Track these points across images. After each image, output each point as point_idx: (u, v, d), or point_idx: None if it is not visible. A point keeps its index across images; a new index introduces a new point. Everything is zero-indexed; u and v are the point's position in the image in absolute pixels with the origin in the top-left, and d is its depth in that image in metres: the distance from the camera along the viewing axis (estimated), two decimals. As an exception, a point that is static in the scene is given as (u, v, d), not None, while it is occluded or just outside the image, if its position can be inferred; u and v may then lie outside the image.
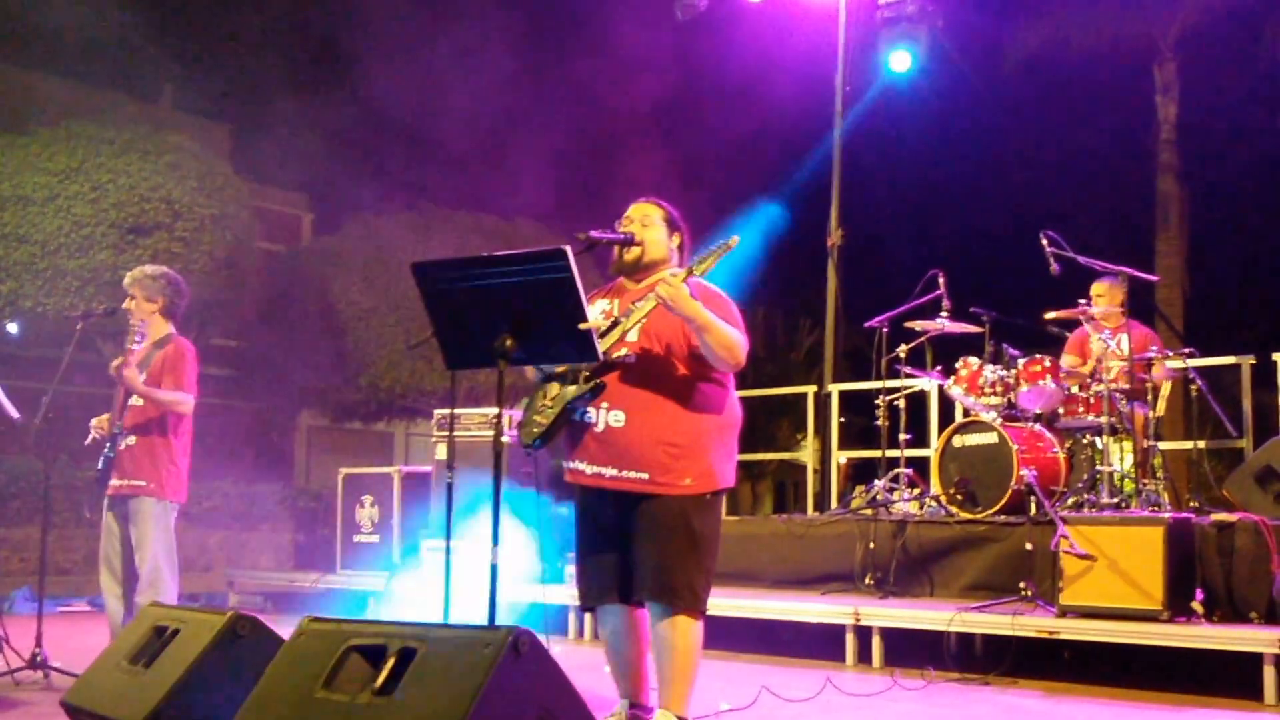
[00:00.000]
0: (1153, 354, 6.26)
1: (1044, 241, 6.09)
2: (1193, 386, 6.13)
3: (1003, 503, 6.03)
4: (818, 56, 10.16)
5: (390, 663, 2.88)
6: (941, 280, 6.82)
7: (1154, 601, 4.81)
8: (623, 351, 3.48)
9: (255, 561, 13.00)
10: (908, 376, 7.04)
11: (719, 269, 3.48)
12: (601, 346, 3.38)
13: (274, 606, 8.75)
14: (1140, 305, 6.64)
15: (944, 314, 6.78)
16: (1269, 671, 4.53)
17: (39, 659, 4.80)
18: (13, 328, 11.03)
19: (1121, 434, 6.15)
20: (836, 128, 9.51)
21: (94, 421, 4.94)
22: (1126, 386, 6.06)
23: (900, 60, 9.57)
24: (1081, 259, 6.14)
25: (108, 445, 4.82)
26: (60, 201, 10.93)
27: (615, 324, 3.50)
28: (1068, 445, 6.35)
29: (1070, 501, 5.95)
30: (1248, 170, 17.62)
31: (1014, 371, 6.37)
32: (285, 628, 3.60)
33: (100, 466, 4.84)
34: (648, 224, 3.63)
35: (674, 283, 3.35)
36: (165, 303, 4.93)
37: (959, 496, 6.28)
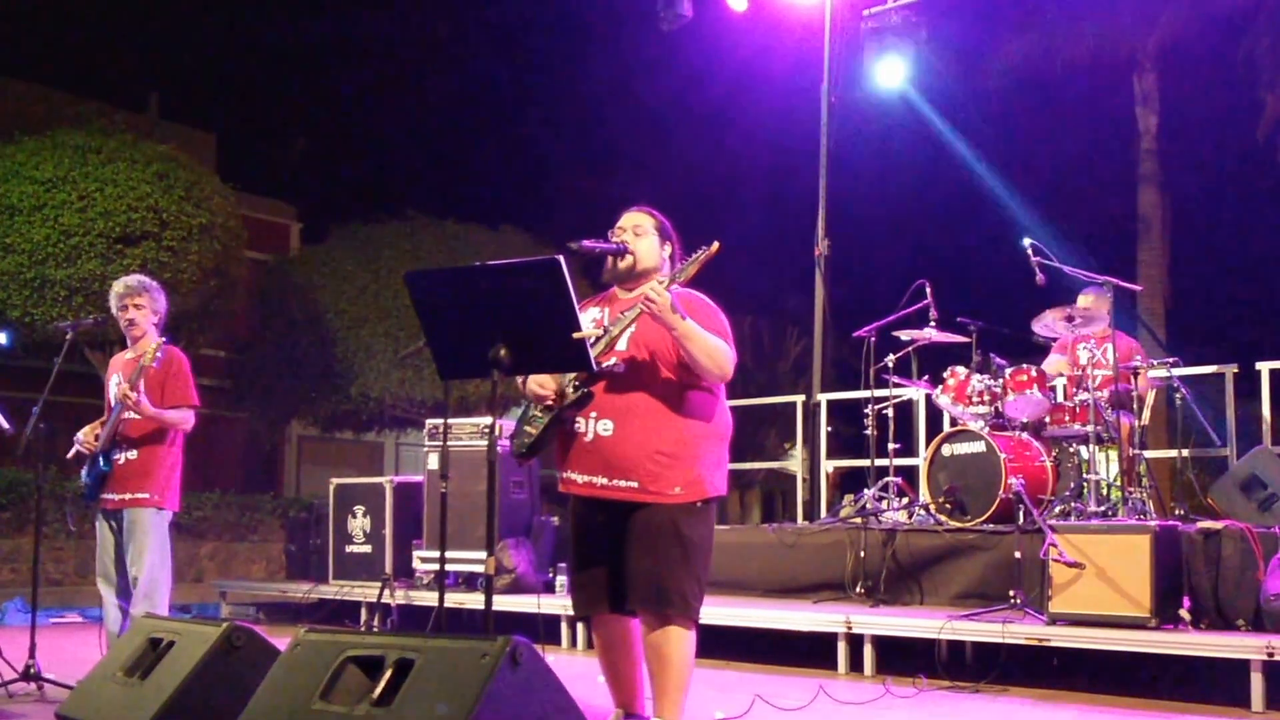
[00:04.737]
0: (1138, 364, 6.33)
1: (1029, 251, 6.15)
2: (1177, 395, 6.19)
3: (991, 511, 6.08)
4: (804, 66, 10.23)
5: (388, 674, 2.90)
6: (928, 290, 6.88)
7: (1142, 609, 4.86)
8: (611, 360, 3.50)
9: (246, 572, 12.97)
10: (896, 386, 7.08)
11: (705, 276, 3.52)
12: (591, 355, 3.41)
13: (266, 617, 8.72)
14: (1123, 315, 6.69)
15: (931, 323, 6.83)
16: (1256, 678, 4.57)
17: (33, 671, 4.79)
18: (2, 338, 10.97)
19: (1107, 443, 6.21)
20: (823, 137, 9.56)
21: (80, 436, 4.91)
22: (1112, 395, 6.13)
23: (885, 70, 9.64)
24: (1066, 269, 6.21)
25: (100, 459, 4.80)
26: (47, 211, 10.88)
27: (606, 333, 3.53)
28: (1054, 454, 6.40)
29: (1058, 510, 6.00)
30: (1228, 179, 17.80)
31: (1001, 381, 6.42)
32: (279, 639, 3.61)
33: (89, 480, 4.83)
34: (640, 233, 3.66)
35: (658, 291, 3.37)
36: (163, 315, 4.97)
37: (948, 505, 6.32)
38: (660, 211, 3.76)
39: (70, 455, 4.92)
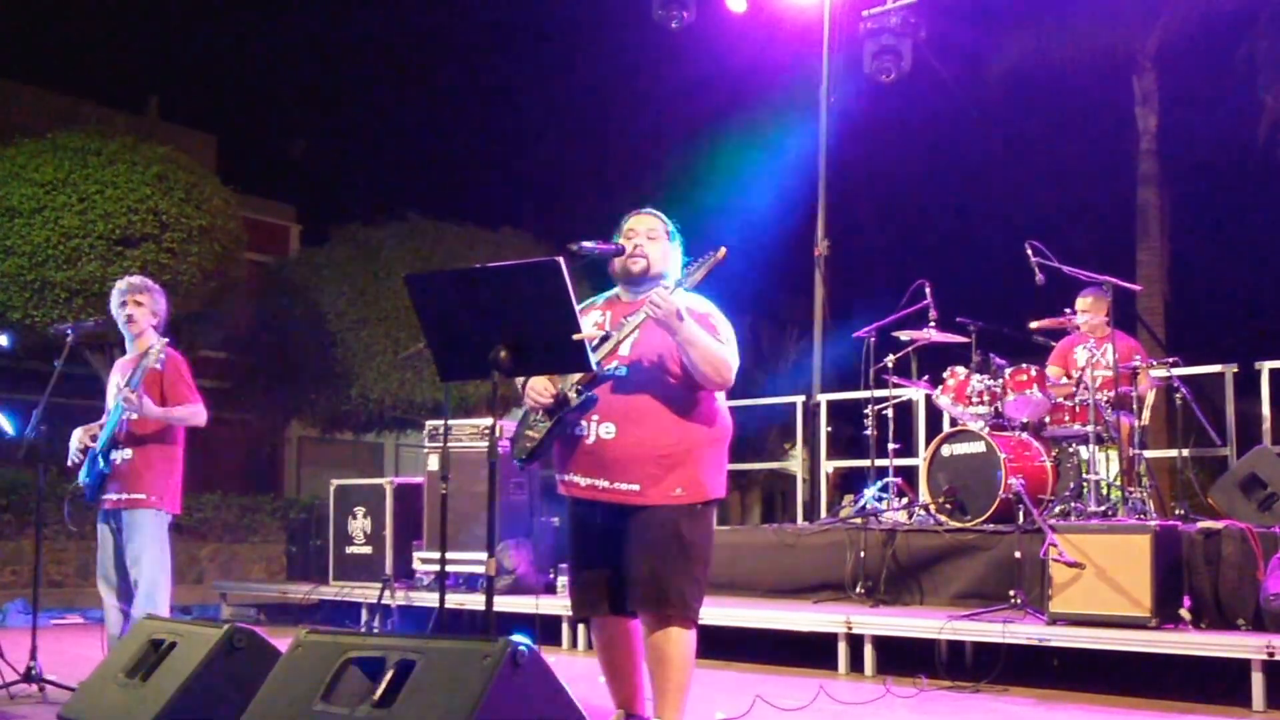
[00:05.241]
0: (1138, 364, 6.33)
1: (1029, 252, 6.16)
2: (1177, 395, 6.19)
3: (991, 511, 6.09)
4: (802, 67, 10.23)
5: (389, 675, 2.91)
6: (928, 290, 6.89)
7: (1142, 609, 4.86)
8: (614, 364, 3.51)
9: (247, 573, 12.98)
10: (895, 386, 7.09)
11: (710, 281, 3.52)
12: (594, 359, 3.41)
13: (267, 618, 8.73)
14: (1122, 315, 6.70)
15: (931, 324, 6.84)
16: (1257, 678, 4.58)
17: (34, 673, 4.79)
18: (3, 340, 10.97)
19: (1107, 443, 6.22)
20: (822, 137, 9.57)
21: (75, 443, 4.89)
22: (1112, 395, 6.13)
23: (884, 71, 9.64)
24: (1066, 269, 6.21)
25: (100, 459, 4.80)
26: (47, 213, 10.89)
27: (608, 336, 3.53)
28: (1054, 454, 6.41)
29: (1058, 510, 6.01)
30: (1227, 179, 17.79)
31: (1001, 381, 6.43)
32: (279, 639, 3.62)
33: (89, 481, 4.83)
34: (654, 237, 3.64)
35: (664, 297, 3.38)
36: (163, 318, 4.97)
37: (948, 505, 6.33)
38: (661, 212, 3.77)
39: (70, 464, 4.91)
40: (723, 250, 3.46)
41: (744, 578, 6.79)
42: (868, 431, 7.13)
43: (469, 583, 7.40)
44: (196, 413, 4.87)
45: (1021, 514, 6.02)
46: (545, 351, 3.34)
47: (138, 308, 4.90)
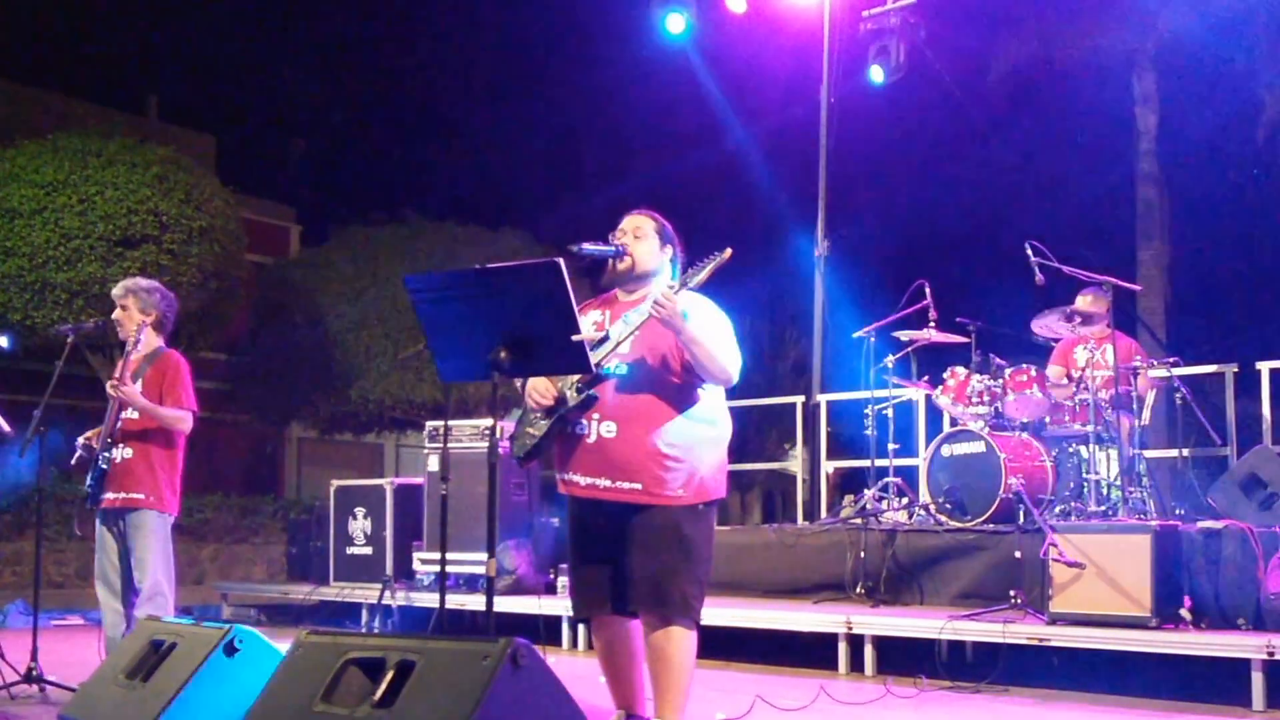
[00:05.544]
0: (1138, 364, 6.33)
1: (1029, 252, 6.16)
2: (1177, 395, 6.20)
3: (991, 511, 6.09)
4: (803, 67, 10.25)
5: (389, 675, 2.91)
6: (928, 290, 6.89)
7: (1143, 609, 4.87)
8: (615, 363, 3.51)
9: (247, 574, 13.01)
10: (896, 386, 7.09)
11: (711, 280, 3.53)
12: (594, 358, 3.41)
13: (268, 619, 8.72)
14: (1122, 315, 6.70)
15: (931, 324, 6.84)
16: (1257, 678, 4.58)
17: (35, 673, 4.79)
18: (4, 341, 10.99)
19: (1107, 443, 6.22)
20: (822, 137, 9.58)
21: (80, 441, 4.90)
22: (1112, 395, 6.14)
23: (883, 71, 9.65)
24: (1066, 269, 6.21)
25: (100, 459, 4.80)
26: (48, 214, 10.91)
27: (608, 336, 3.54)
28: (1054, 454, 6.41)
29: (1058, 510, 6.01)
30: (1228, 179, 17.79)
31: (1001, 381, 6.43)
32: (280, 640, 3.62)
33: (91, 481, 4.83)
34: (640, 236, 3.67)
35: (669, 296, 3.39)
36: (159, 316, 4.94)
37: (948, 505, 6.33)
38: (660, 213, 3.77)
39: (74, 461, 4.92)
40: (728, 251, 3.47)
41: (744, 578, 6.79)
42: (868, 431, 7.13)
43: (469, 583, 7.40)
44: (182, 418, 4.84)
45: (1021, 514, 6.02)
46: (545, 352, 3.35)
47: (123, 312, 4.90)
